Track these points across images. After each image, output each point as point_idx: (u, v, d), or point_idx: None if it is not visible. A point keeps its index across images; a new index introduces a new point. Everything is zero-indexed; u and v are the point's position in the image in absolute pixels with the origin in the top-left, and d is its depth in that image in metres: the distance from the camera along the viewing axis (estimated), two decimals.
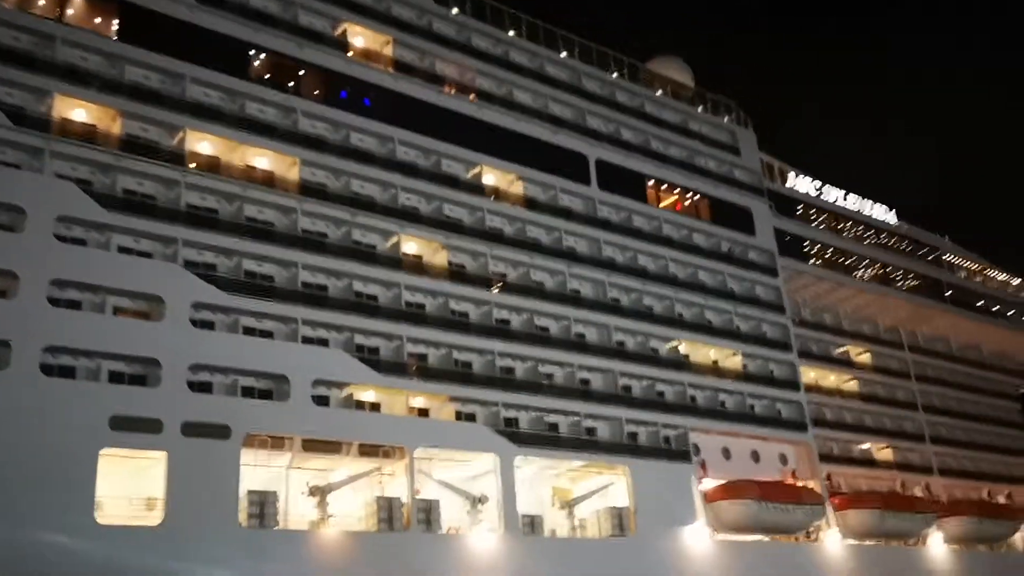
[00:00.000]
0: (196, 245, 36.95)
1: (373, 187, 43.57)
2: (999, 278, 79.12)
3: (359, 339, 40.53)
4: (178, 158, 37.71)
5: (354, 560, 35.13)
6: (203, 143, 39.14)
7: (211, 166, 38.95)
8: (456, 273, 44.80)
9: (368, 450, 38.23)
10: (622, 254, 52.01)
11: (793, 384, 55.82)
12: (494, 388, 42.69)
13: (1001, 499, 64.27)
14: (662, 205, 55.58)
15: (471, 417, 42.27)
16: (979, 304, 72.47)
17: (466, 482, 40.65)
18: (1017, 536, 60.61)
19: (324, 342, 39.55)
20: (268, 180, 40.42)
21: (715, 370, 53.34)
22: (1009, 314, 74.67)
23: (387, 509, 36.72)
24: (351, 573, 34.92)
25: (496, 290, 45.63)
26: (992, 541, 59.85)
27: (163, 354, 33.69)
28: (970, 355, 71.93)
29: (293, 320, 38.16)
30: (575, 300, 48.39)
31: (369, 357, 40.06)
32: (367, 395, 39.89)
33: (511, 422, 43.13)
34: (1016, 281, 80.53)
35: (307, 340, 38.64)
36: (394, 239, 43.15)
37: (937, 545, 56.79)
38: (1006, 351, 75.10)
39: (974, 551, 58.68)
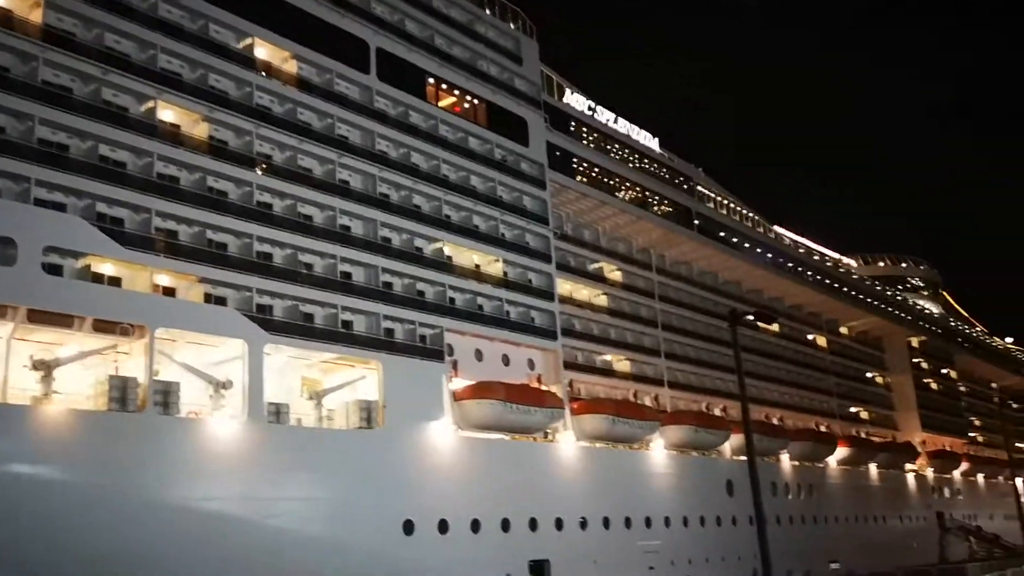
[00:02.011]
0: None
1: (130, 44, 39.92)
2: (743, 212, 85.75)
3: (102, 207, 37.55)
4: None
5: (81, 440, 33.18)
6: None
7: None
8: (217, 148, 42.29)
9: (103, 326, 35.86)
10: (395, 150, 51.20)
11: (548, 294, 58.04)
12: (249, 272, 41.15)
13: (717, 411, 70.87)
14: (441, 105, 55.00)
15: (221, 301, 40.61)
16: (721, 235, 78.24)
17: (211, 367, 39.23)
18: (726, 445, 67.22)
19: (61, 207, 36.27)
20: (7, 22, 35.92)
21: (476, 274, 54.36)
22: (746, 246, 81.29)
23: (120, 388, 34.74)
24: (78, 453, 33.03)
25: (260, 171, 43.61)
26: (705, 448, 66.12)
27: None
28: (707, 280, 77.89)
29: (25, 179, 34.59)
30: (343, 191, 47.24)
31: (112, 228, 37.21)
32: (106, 268, 37.18)
33: (264, 309, 41.89)
34: (755, 216, 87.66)
35: (41, 203, 35.30)
36: (149, 104, 39.93)
37: (659, 450, 62.03)
38: (739, 279, 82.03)
39: (689, 456, 64.64)
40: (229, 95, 43.30)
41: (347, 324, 45.39)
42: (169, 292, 39.40)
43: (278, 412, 40.40)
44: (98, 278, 36.82)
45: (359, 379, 45.37)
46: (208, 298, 40.27)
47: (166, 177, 40.14)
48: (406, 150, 51.60)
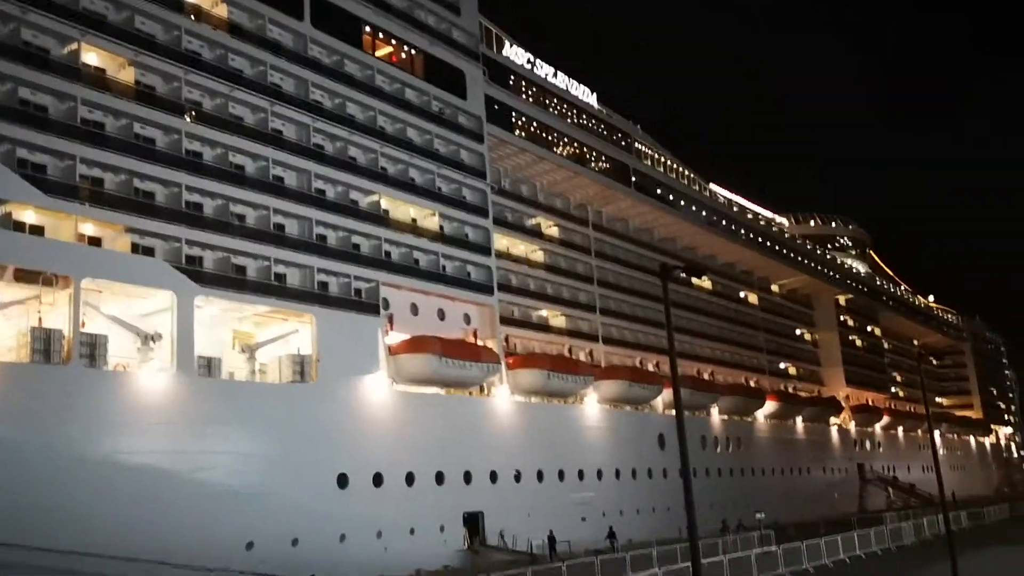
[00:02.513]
0: None
1: None
2: (679, 170, 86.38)
3: (23, 153, 36.26)
4: None
5: (2, 392, 32.22)
6: None
7: None
8: (144, 94, 41.01)
9: (26, 276, 34.86)
10: (330, 99, 50.21)
11: (485, 249, 57.92)
12: (178, 223, 40.18)
13: (650, 367, 71.96)
14: (377, 55, 53.98)
15: (149, 251, 39.64)
16: (658, 192, 78.79)
17: (139, 319, 38.38)
18: (658, 399, 68.44)
19: None
20: None
21: (412, 228, 53.94)
22: (681, 203, 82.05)
23: (44, 340, 33.86)
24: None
25: (189, 119, 42.38)
26: (638, 403, 67.24)
27: None
28: (643, 237, 78.56)
29: None
30: (276, 141, 46.23)
31: (34, 174, 35.94)
32: (28, 216, 35.95)
33: (194, 260, 41.00)
34: (691, 174, 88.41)
35: None
36: (72, 46, 38.40)
37: (592, 404, 62.88)
38: (674, 236, 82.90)
39: (622, 410, 65.69)
40: (156, 39, 41.85)
41: (280, 277, 44.75)
42: (95, 242, 38.30)
43: (209, 365, 39.84)
44: (20, 226, 35.61)
45: (292, 333, 44.90)
46: (136, 248, 39.24)
47: (91, 123, 38.79)
48: (341, 100, 50.64)
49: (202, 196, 42.37)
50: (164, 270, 38.90)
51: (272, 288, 43.69)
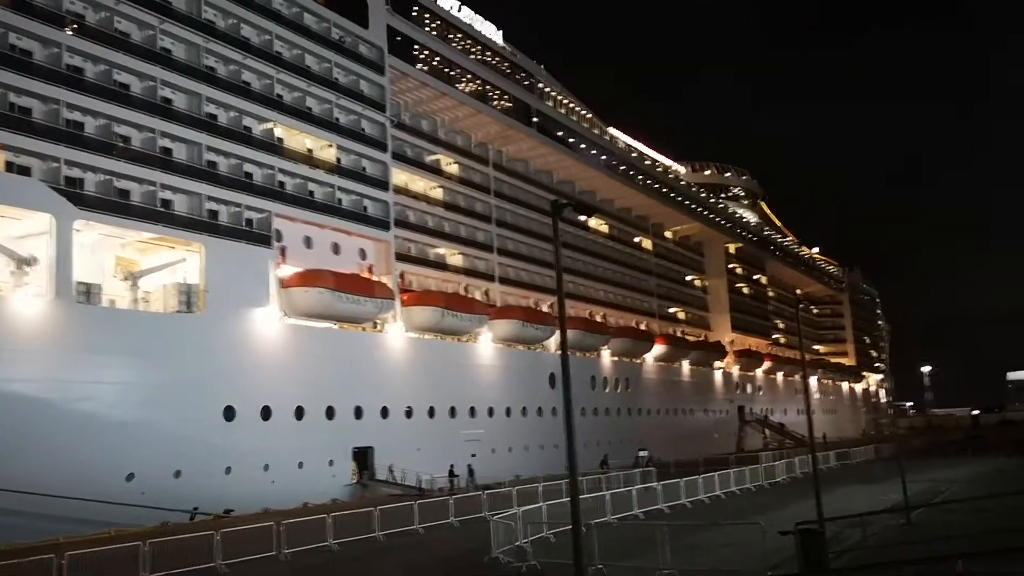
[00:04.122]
0: None
1: None
2: (581, 113, 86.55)
3: None
4: None
5: None
6: None
7: None
8: (21, 3, 38.27)
9: None
10: (224, 20, 48.13)
11: (383, 183, 57.04)
12: (56, 142, 38.09)
13: (545, 308, 72.75)
14: None
15: (25, 171, 37.53)
16: (559, 134, 78.83)
17: (12, 241, 36.50)
18: (551, 339, 69.41)
19: None
20: None
21: (308, 159, 52.62)
22: (582, 147, 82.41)
23: None
24: None
25: (69, 32, 39.96)
26: (531, 342, 68.09)
27: None
28: (543, 179, 78.74)
29: None
30: (165, 60, 44.11)
31: None
32: None
33: (74, 182, 39.05)
34: (592, 118, 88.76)
35: None
36: None
37: (486, 343, 63.36)
38: (573, 179, 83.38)
39: (516, 349, 66.42)
40: None
41: (167, 203, 43.10)
42: None
43: (88, 292, 38.25)
44: None
45: (179, 261, 43.51)
46: (10, 167, 37.08)
47: None
48: (235, 21, 48.59)
49: (83, 115, 40.24)
50: (41, 191, 36.94)
51: (158, 215, 42.07)
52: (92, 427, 35.84)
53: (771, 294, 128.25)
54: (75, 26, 40.36)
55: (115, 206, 40.20)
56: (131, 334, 39.30)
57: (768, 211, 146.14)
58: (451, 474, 50.47)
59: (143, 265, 43.19)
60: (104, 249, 41.15)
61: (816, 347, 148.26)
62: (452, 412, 57.98)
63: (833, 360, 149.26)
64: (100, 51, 41.02)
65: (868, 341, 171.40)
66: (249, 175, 48.14)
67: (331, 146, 53.99)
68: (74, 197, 38.18)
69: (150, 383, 39.01)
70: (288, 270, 48.46)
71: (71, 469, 33.79)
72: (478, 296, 65.94)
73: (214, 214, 45.38)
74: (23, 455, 32.93)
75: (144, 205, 41.73)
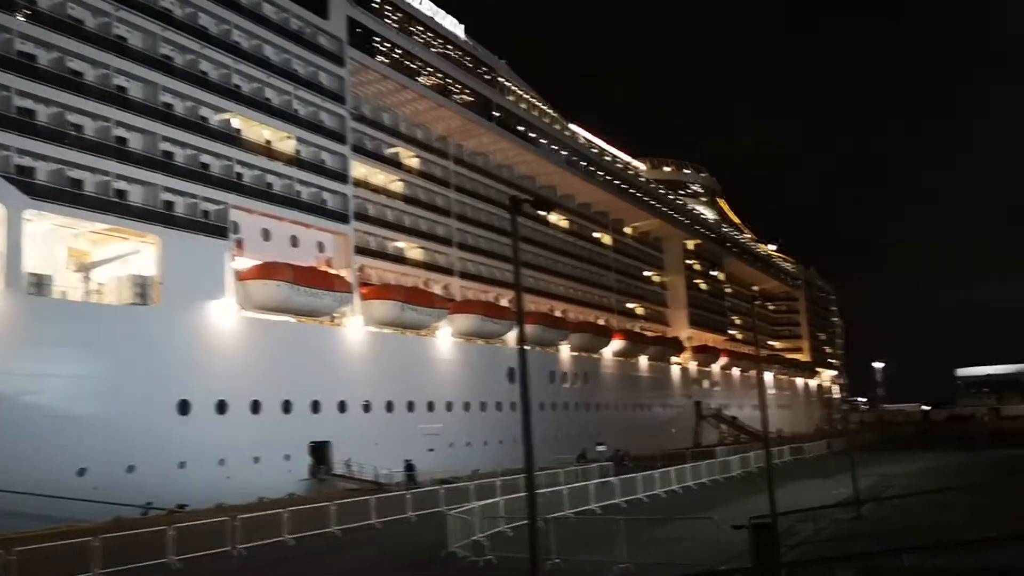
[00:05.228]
0: None
1: None
2: (541, 108, 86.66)
3: None
4: None
5: None
6: None
7: None
8: None
9: None
10: (181, 8, 47.41)
11: (342, 176, 56.66)
12: (6, 129, 37.30)
13: (505, 302, 72.82)
14: None
15: None
16: (519, 128, 78.87)
17: None
18: (510, 334, 69.45)
19: None
20: None
21: (266, 150, 52.07)
22: (542, 142, 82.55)
23: None
24: None
25: (21, 17, 39.12)
26: (490, 337, 68.09)
27: None
28: (503, 173, 78.72)
29: None
30: (119, 47, 43.35)
31: None
32: None
33: (25, 171, 38.25)
34: (553, 113, 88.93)
35: None
36: None
37: (445, 337, 63.27)
38: (533, 174, 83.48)
39: (475, 344, 66.42)
40: None
41: (121, 194, 42.38)
42: None
43: (39, 283, 37.57)
44: None
45: (133, 253, 42.90)
46: None
47: None
48: (193, 10, 47.90)
49: (35, 103, 39.40)
50: None
51: (112, 205, 41.36)
52: (43, 420, 35.18)
53: (728, 290, 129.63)
54: (27, 12, 39.51)
55: (67, 196, 39.47)
56: (83, 326, 38.66)
57: (726, 208, 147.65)
58: (407, 468, 50.18)
59: (96, 256, 42.49)
60: (56, 240, 40.43)
61: (772, 343, 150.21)
62: (410, 406, 57.85)
63: (788, 356, 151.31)
64: (53, 38, 40.21)
65: (823, 337, 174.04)
66: (206, 166, 47.52)
67: (290, 138, 53.48)
68: (25, 186, 37.44)
69: (103, 376, 38.42)
70: (245, 263, 47.97)
71: (21, 463, 33.13)
72: (438, 290, 65.76)
73: (169, 205, 44.71)
74: None
75: (97, 195, 41.01)
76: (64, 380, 36.91)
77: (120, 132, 42.86)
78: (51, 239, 39.96)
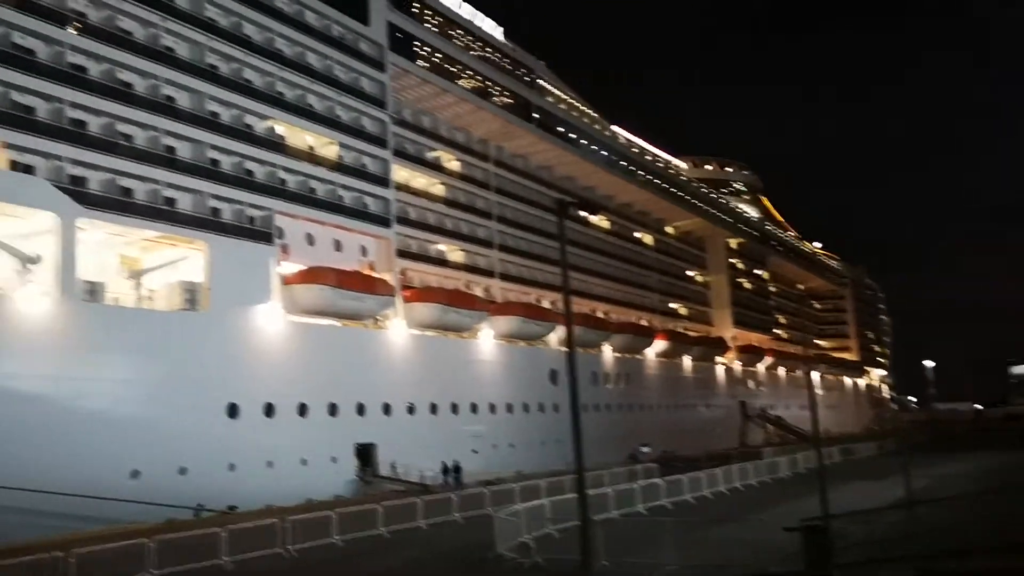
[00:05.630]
0: None
1: None
2: (582, 109, 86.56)
3: None
4: None
5: None
6: None
7: None
8: (25, 2, 38.38)
9: None
10: (226, 17, 48.18)
11: (384, 180, 57.14)
12: (60, 140, 38.19)
13: (546, 304, 72.85)
14: None
15: (29, 170, 37.60)
16: (559, 129, 78.85)
17: (17, 240, 36.58)
18: (552, 335, 69.47)
19: None
20: None
21: (309, 156, 52.69)
22: (582, 142, 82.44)
23: None
24: None
25: (73, 31, 40.04)
26: (532, 338, 68.16)
27: None
28: (543, 175, 78.76)
29: None
30: (168, 58, 44.19)
31: None
32: None
33: (78, 181, 39.14)
34: (593, 114, 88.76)
35: None
36: None
37: (487, 339, 63.46)
38: (574, 175, 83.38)
39: (516, 346, 66.52)
40: None
41: (170, 201, 43.19)
42: None
43: (93, 290, 38.38)
44: None
45: (182, 259, 43.63)
46: (15, 166, 37.18)
47: None
48: (237, 19, 48.65)
49: (87, 113, 40.29)
50: (45, 190, 37.04)
51: (161, 213, 42.18)
52: (97, 424, 35.96)
53: (773, 289, 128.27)
54: (78, 25, 40.42)
55: (119, 204, 40.31)
56: (136, 332, 39.43)
57: (770, 206, 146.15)
58: (444, 471, 50.09)
59: (146, 263, 43.28)
60: (108, 247, 41.26)
61: (818, 342, 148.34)
62: (454, 408, 58.10)
63: (836, 355, 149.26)
64: (103, 49, 41.11)
65: (871, 336, 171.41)
66: (251, 172, 48.21)
67: (332, 143, 54.07)
68: (78, 196, 38.29)
69: (155, 380, 39.16)
70: (290, 267, 48.57)
71: (78, 466, 33.90)
72: (479, 292, 66.00)
73: (216, 212, 45.45)
74: (29, 453, 33.02)
75: (147, 203, 41.83)
76: (118, 384, 37.67)
77: (169, 141, 43.67)
78: (103, 247, 40.79)
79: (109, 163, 40.31)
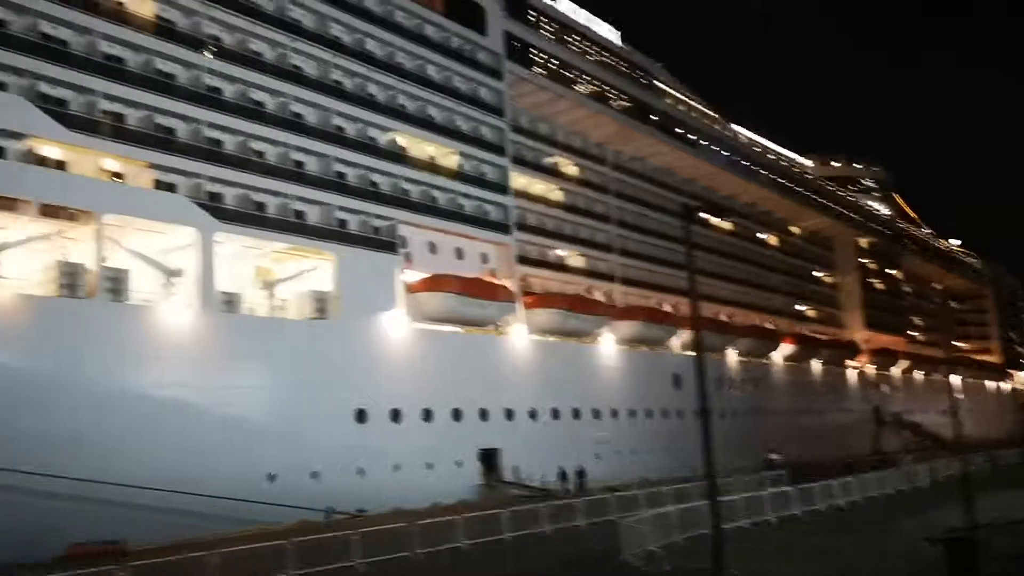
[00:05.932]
0: None
1: None
2: (701, 110, 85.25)
3: (45, 88, 36.23)
4: None
5: (30, 325, 32.82)
6: None
7: None
8: (164, 29, 40.76)
9: (50, 211, 35.11)
10: (350, 35, 49.75)
11: (502, 188, 57.78)
12: (198, 159, 40.30)
13: (667, 307, 72.02)
14: None
15: (171, 187, 39.84)
16: (678, 131, 77.88)
17: (161, 254, 38.75)
18: (674, 339, 68.62)
19: (1, 86, 34.95)
20: None
21: (430, 166, 53.79)
22: (702, 143, 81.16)
23: (70, 274, 34.31)
24: (28, 338, 32.72)
25: (209, 55, 42.18)
26: (654, 343, 67.49)
27: None
28: (662, 177, 77.91)
29: None
30: (296, 77, 46.02)
31: (56, 109, 36.03)
32: (51, 151, 36.12)
33: (215, 197, 41.19)
34: (713, 115, 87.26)
35: None
36: None
37: (609, 344, 63.20)
38: (694, 177, 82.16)
39: (638, 350, 66.00)
40: None
41: (300, 214, 44.93)
42: (117, 178, 38.56)
43: (230, 301, 40.26)
44: (42, 161, 35.81)
45: (312, 269, 45.24)
46: (158, 185, 39.45)
47: (111, 58, 38.69)
48: (360, 36, 50.20)
49: (222, 132, 42.37)
50: (186, 206, 39.18)
51: (292, 225, 43.94)
52: (235, 430, 37.69)
53: (907, 289, 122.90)
54: (213, 48, 42.55)
55: (253, 218, 42.21)
56: (270, 341, 41.16)
57: (902, 203, 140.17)
58: (563, 476, 49.95)
59: (278, 274, 45.09)
60: (243, 259, 43.21)
61: (957, 344, 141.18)
62: (576, 414, 58.10)
63: (976, 357, 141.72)
64: (236, 71, 43.16)
65: (1014, 338, 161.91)
66: (375, 184, 49.61)
67: (453, 152, 55.07)
68: (216, 211, 40.30)
69: (288, 387, 40.75)
70: (414, 275, 49.68)
71: (217, 469, 35.59)
72: (600, 297, 65.83)
73: (343, 223, 46.97)
74: (175, 456, 34.89)
75: (279, 216, 43.64)
76: (254, 391, 39.40)
77: (297, 156, 45.44)
78: (239, 259, 42.74)
79: (243, 179, 42.28)
